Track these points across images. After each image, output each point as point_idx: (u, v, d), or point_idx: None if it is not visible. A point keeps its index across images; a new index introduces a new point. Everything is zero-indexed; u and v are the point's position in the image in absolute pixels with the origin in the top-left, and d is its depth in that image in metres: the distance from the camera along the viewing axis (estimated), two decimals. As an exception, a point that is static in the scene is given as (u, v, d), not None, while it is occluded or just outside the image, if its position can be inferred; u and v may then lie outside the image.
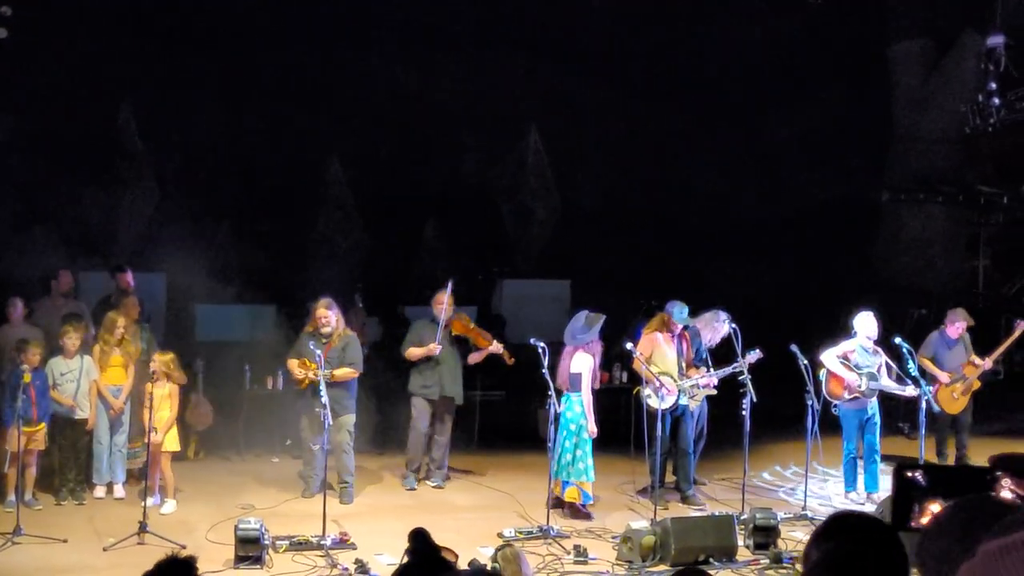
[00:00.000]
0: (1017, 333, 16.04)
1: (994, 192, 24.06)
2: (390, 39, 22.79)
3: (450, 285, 14.65)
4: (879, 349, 14.43)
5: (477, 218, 23.92)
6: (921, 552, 2.37)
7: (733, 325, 14.05)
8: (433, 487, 14.41)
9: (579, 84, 23.15)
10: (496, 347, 14.36)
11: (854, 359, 14.34)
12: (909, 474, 7.52)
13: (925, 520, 6.76)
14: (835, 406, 14.54)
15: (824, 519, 3.58)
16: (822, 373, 14.46)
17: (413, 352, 14.26)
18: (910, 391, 14.57)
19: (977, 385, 15.71)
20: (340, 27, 22.17)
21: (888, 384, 14.43)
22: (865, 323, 14.45)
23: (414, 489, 14.21)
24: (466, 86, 22.66)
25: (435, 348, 14.22)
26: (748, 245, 23.34)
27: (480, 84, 22.76)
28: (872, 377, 14.31)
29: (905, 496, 7.44)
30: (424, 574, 6.91)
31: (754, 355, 13.95)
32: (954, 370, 15.85)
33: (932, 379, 15.62)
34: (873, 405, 14.45)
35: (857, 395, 14.33)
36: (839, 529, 3.47)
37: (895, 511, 7.57)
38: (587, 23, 23.51)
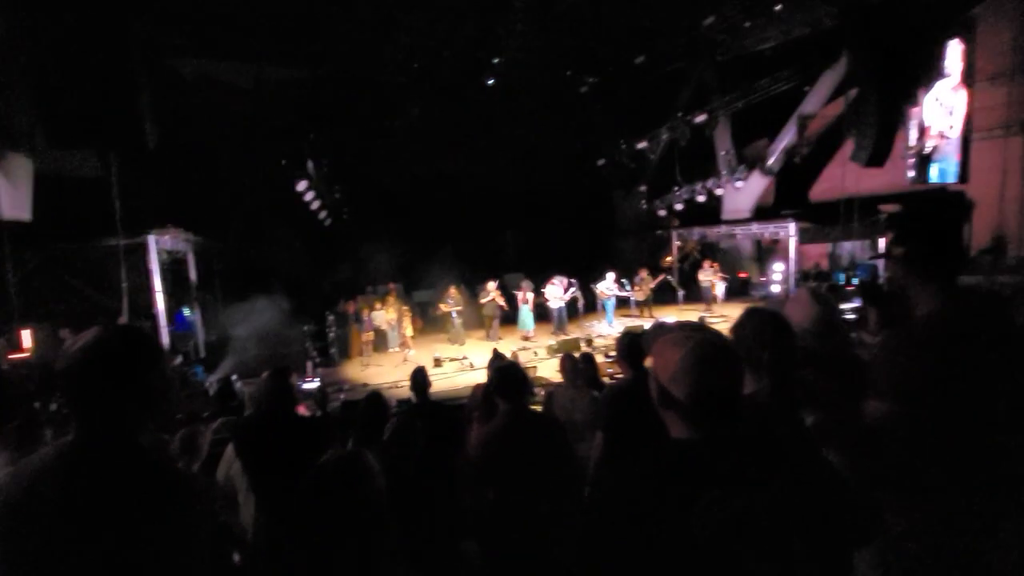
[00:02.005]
0: (661, 277, 15.04)
1: (648, 232, 18.85)
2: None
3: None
4: (614, 283, 13.72)
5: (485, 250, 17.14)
6: (644, 343, 2.19)
7: (572, 279, 13.22)
8: (496, 341, 12.87)
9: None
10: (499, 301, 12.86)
11: (608, 287, 13.82)
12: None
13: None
14: (603, 302, 13.96)
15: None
16: (598, 291, 13.86)
17: (484, 299, 12.74)
18: (626, 294, 14.03)
19: (647, 290, 14.65)
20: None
21: (622, 293, 13.94)
22: (610, 275, 13.86)
23: (500, 340, 12.79)
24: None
25: (491, 296, 12.74)
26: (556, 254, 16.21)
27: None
28: (611, 289, 13.79)
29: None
30: (494, 361, 6.30)
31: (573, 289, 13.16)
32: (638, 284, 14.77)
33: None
34: (612, 301, 13.79)
35: (608, 297, 13.81)
36: (624, 335, 3.18)
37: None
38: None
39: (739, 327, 2.02)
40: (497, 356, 7.28)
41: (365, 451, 2.03)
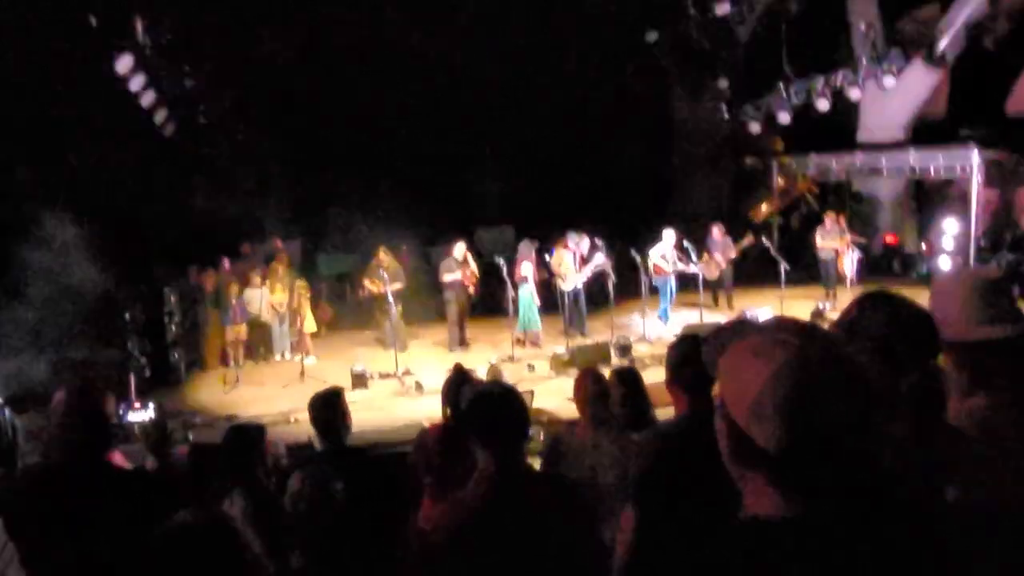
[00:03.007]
0: (744, 243, 15.40)
1: (731, 160, 22.57)
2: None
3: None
4: (678, 250, 14.09)
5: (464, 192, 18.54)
6: (703, 354, 2.13)
7: (598, 240, 13.65)
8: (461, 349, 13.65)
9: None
10: (474, 280, 13.56)
11: (667, 254, 14.05)
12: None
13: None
14: (660, 280, 14.19)
15: (676, 337, 3.68)
16: (649, 263, 14.08)
17: (447, 278, 13.24)
18: (692, 268, 14.34)
19: (724, 265, 15.29)
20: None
21: (684, 267, 14.18)
22: (668, 235, 14.11)
23: (467, 350, 13.38)
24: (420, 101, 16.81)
25: (459, 276, 13.25)
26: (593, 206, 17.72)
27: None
28: (675, 264, 14.06)
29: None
30: (459, 383, 6.90)
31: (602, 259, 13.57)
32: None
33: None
34: (672, 280, 14.17)
35: (666, 274, 14.06)
36: (681, 341, 3.46)
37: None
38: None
39: (855, 320, 2.14)
40: (460, 373, 7.05)
41: (227, 517, 2.49)
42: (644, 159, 18.45)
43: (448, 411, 6.40)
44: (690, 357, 3.29)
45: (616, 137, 17.50)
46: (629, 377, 5.16)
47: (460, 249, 13.25)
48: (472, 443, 3.02)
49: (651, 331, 13.63)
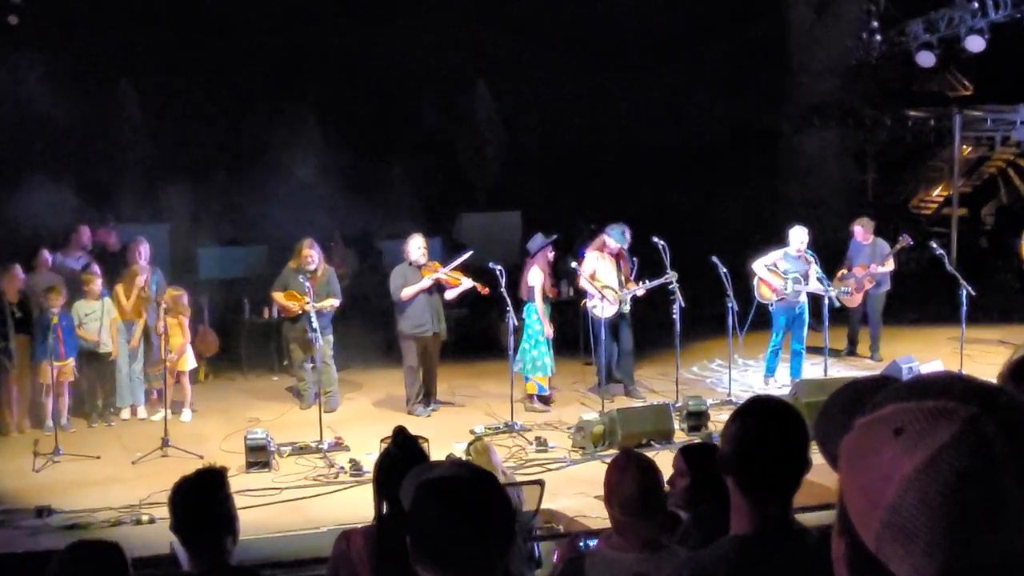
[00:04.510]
0: (900, 245, 15.94)
1: (878, 115, 24.11)
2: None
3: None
4: (808, 257, 14.32)
5: (436, 161, 23.84)
6: (816, 429, 2.29)
7: (662, 242, 13.78)
8: (425, 416, 13.63)
9: (515, 43, 22.76)
10: (468, 283, 13.76)
11: (781, 266, 14.27)
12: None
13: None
14: (770, 305, 14.44)
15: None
16: (755, 280, 14.37)
17: (406, 293, 13.46)
18: (833, 292, 14.54)
19: (869, 284, 15.66)
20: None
21: (815, 287, 14.32)
22: (795, 235, 14.33)
23: (430, 415, 13.59)
24: (420, 48, 22.30)
25: (427, 282, 13.49)
26: (668, 171, 23.08)
27: (432, 46, 22.41)
28: (796, 280, 14.22)
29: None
30: (404, 459, 6.89)
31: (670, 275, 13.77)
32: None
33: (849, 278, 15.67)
34: (801, 305, 14.37)
35: (784, 296, 14.26)
36: (752, 410, 3.51)
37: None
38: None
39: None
40: (403, 443, 6.69)
41: None
42: (731, 107, 20.44)
43: (383, 507, 6.47)
44: (762, 437, 3.39)
45: (686, 61, 19.24)
46: (705, 462, 5.13)
47: (418, 245, 13.51)
48: (418, 566, 3.05)
49: (743, 387, 13.89)
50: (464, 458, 9.12)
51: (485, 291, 13.62)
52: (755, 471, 3.40)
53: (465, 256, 14.18)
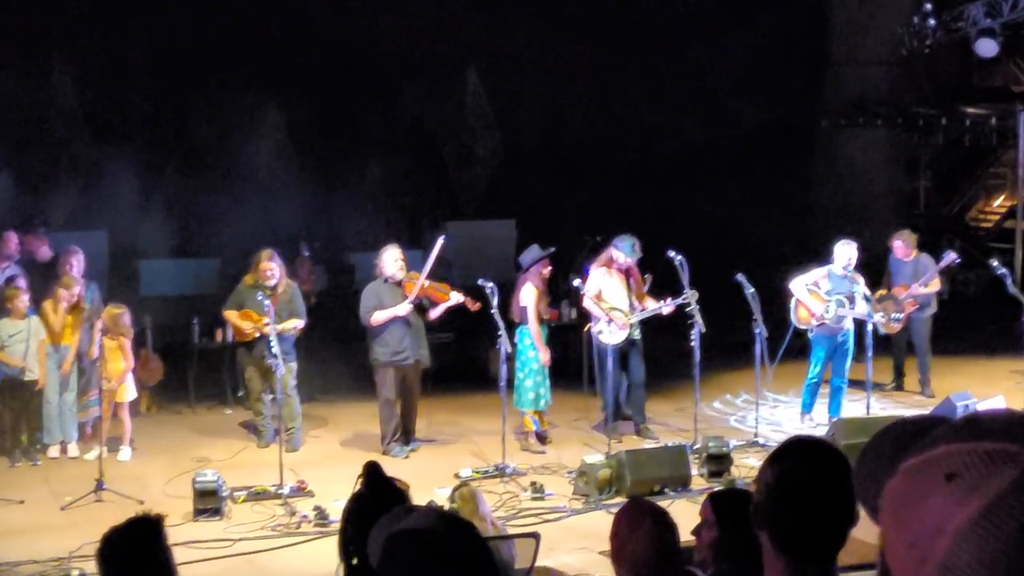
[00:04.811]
0: (945, 263, 16.08)
1: (932, 113, 24.15)
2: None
3: (440, 241, 14.11)
4: (857, 277, 14.40)
5: (418, 161, 23.76)
6: (856, 475, 2.27)
7: (679, 256, 13.77)
8: (402, 457, 13.63)
9: (513, 23, 22.82)
10: (456, 298, 13.65)
11: (824, 286, 14.34)
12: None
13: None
14: (809, 331, 14.53)
15: (779, 443, 3.67)
16: (792, 301, 14.48)
17: (379, 317, 13.42)
18: (878, 317, 14.68)
19: (911, 307, 15.77)
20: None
21: (862, 310, 14.39)
22: (842, 251, 14.39)
23: (408, 456, 13.61)
24: (401, 28, 22.33)
25: (406, 308, 13.41)
26: (688, 175, 23.22)
27: (414, 26, 22.42)
28: (840, 304, 14.29)
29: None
30: (377, 503, 6.81)
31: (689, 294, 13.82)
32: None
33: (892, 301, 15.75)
34: (845, 333, 14.45)
35: (823, 322, 14.33)
36: (790, 453, 3.50)
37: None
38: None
39: None
40: (374, 484, 6.28)
41: None
42: (762, 102, 20.78)
43: (351, 562, 6.44)
44: (802, 484, 3.39)
45: (710, 50, 19.42)
46: (738, 512, 5.05)
47: (394, 257, 13.51)
48: None
49: (773, 427, 14.05)
50: (448, 506, 9.14)
51: (476, 307, 13.57)
52: (793, 525, 3.39)
53: (438, 246, 14.00)
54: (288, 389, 13.49)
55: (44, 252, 15.25)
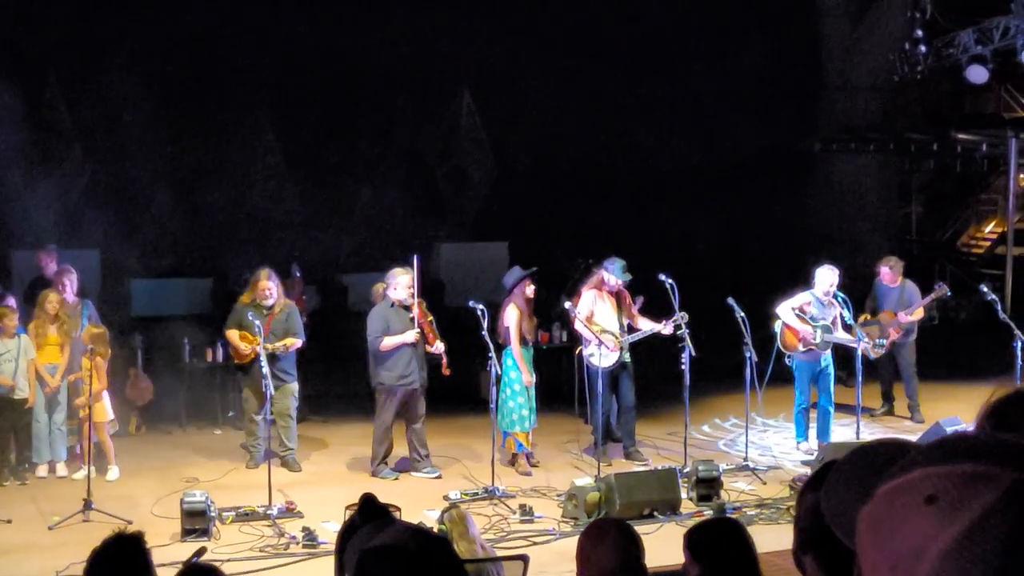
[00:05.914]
0: (934, 295, 16.19)
1: (924, 139, 24.21)
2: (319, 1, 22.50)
3: (416, 262, 13.80)
4: (834, 302, 14.44)
5: (411, 182, 23.79)
6: (825, 503, 2.32)
7: (670, 280, 13.78)
8: (435, 478, 13.62)
9: (508, 46, 22.89)
10: (439, 349, 13.61)
11: (809, 311, 14.34)
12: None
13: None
14: (789, 358, 14.53)
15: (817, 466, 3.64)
16: (777, 325, 14.47)
17: (388, 343, 13.29)
18: (867, 343, 14.68)
19: (895, 334, 15.80)
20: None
21: (842, 336, 14.46)
22: (823, 276, 14.41)
23: (398, 478, 13.57)
24: (395, 51, 22.40)
25: (414, 335, 13.35)
26: (681, 199, 23.26)
27: (409, 49, 22.47)
28: (827, 330, 14.33)
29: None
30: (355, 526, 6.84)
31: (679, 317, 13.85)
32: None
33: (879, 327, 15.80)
34: (826, 357, 14.44)
35: (812, 347, 14.32)
36: (824, 473, 3.46)
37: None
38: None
39: None
40: (366, 509, 6.46)
41: None
42: (756, 127, 21.17)
43: None
44: (842, 505, 3.25)
45: (705, 73, 19.66)
46: (721, 541, 5.09)
47: (406, 284, 13.44)
48: None
49: (762, 451, 14.12)
50: (437, 528, 9.12)
51: (447, 372, 13.69)
52: (843, 545, 3.20)
53: (414, 268, 13.78)
54: (289, 410, 13.56)
55: (52, 268, 15.25)
